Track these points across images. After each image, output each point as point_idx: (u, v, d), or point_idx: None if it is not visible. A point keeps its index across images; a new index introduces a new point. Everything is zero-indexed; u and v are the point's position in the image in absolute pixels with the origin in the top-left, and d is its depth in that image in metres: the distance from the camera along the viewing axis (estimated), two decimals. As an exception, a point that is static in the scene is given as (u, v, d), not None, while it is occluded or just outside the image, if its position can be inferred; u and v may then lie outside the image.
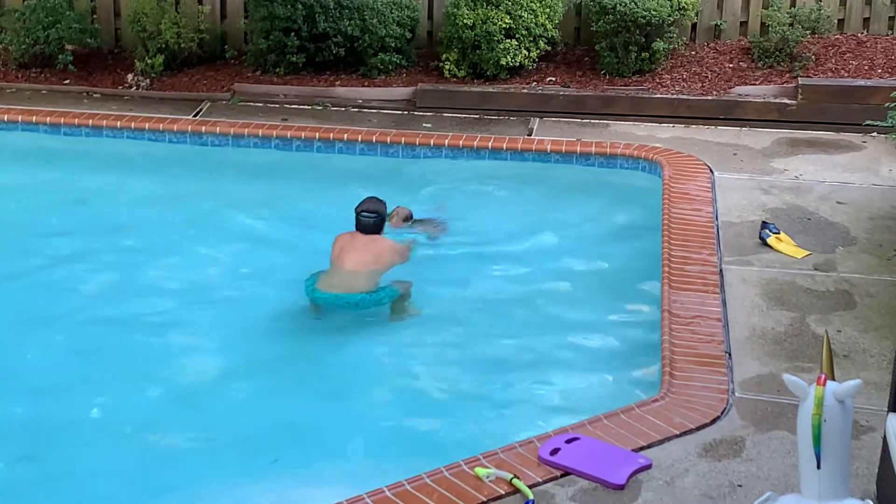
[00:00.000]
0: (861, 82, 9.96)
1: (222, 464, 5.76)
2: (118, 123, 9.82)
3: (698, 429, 5.47)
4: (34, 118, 9.93)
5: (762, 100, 9.96)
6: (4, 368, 6.63)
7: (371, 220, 7.27)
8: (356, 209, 7.31)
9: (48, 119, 9.91)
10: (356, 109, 10.28)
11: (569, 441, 5.32)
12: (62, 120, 9.89)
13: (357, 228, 7.31)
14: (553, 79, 10.52)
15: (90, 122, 9.85)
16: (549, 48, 10.66)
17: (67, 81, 10.81)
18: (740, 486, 5.06)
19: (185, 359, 6.78)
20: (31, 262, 7.94)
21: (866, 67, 10.39)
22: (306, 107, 10.31)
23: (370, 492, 4.98)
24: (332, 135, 9.57)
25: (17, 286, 7.59)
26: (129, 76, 10.76)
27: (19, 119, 9.94)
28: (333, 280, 7.17)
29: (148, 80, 10.67)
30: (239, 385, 6.53)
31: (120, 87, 10.69)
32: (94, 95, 10.59)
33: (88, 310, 7.32)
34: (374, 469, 5.55)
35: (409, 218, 7.90)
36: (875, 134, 9.40)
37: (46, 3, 10.84)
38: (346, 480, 5.36)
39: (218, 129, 9.72)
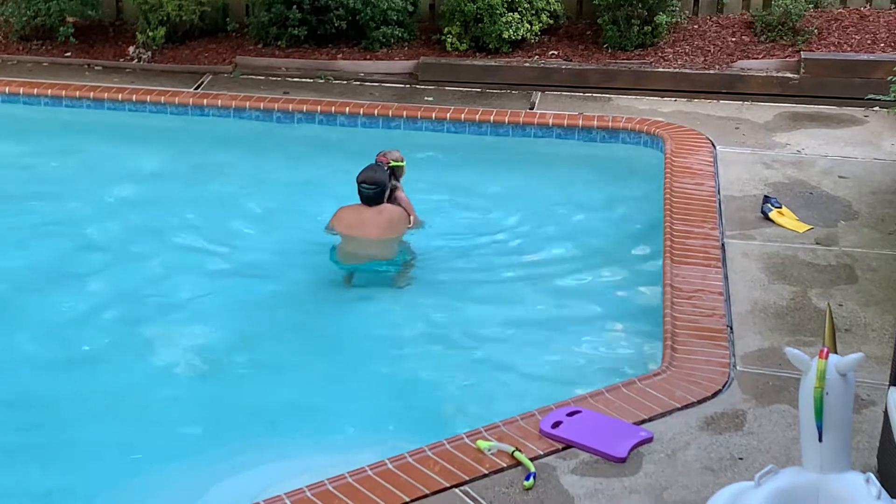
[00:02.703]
0: (864, 56, 9.92)
1: (224, 435, 5.78)
2: (119, 96, 9.81)
3: (699, 402, 5.49)
4: (35, 90, 9.93)
5: (764, 74, 9.93)
6: (12, 338, 6.64)
7: (371, 190, 7.26)
8: (357, 178, 7.29)
9: (49, 91, 9.90)
10: (358, 83, 10.27)
11: (570, 414, 5.33)
12: (63, 92, 9.88)
13: (360, 199, 7.30)
14: (555, 52, 10.49)
15: (91, 94, 9.84)
16: (551, 22, 10.63)
17: (69, 54, 10.79)
18: (741, 458, 5.08)
19: (185, 330, 6.78)
20: (33, 232, 7.95)
21: (869, 42, 10.35)
22: (308, 80, 10.29)
23: (372, 464, 4.99)
24: (333, 108, 9.56)
25: (20, 256, 7.60)
26: (131, 49, 10.74)
27: (21, 91, 9.94)
28: (356, 250, 7.20)
29: (149, 53, 10.65)
30: (240, 357, 6.54)
31: (121, 60, 10.67)
32: (96, 68, 10.57)
33: (91, 280, 7.32)
34: (376, 441, 5.56)
35: (397, 160, 7.68)
36: (877, 108, 9.40)
37: (47, -24, 10.82)
38: (347, 453, 5.36)
39: (219, 101, 9.72)
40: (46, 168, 8.99)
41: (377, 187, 7.26)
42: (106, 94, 9.83)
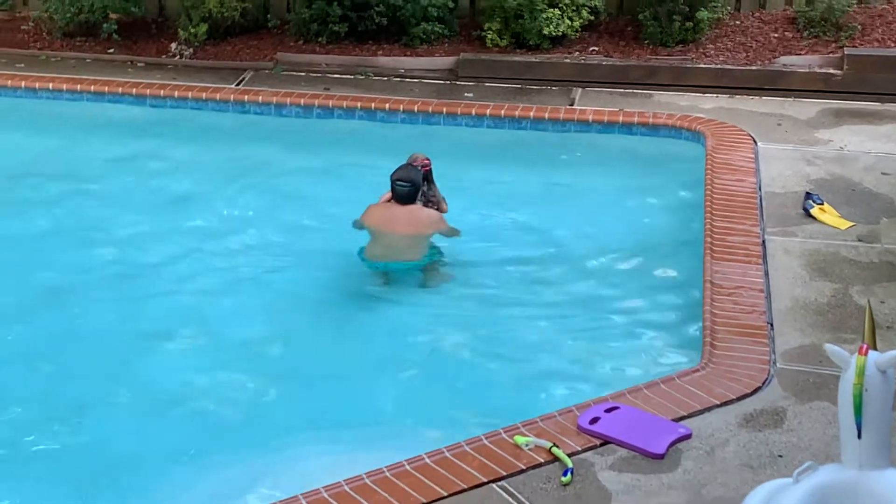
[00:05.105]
0: (907, 53, 9.85)
1: (260, 431, 5.80)
2: (161, 92, 9.87)
3: (739, 399, 5.46)
4: (78, 87, 10.01)
5: (807, 70, 9.86)
6: (47, 331, 6.70)
7: (405, 188, 7.25)
8: (391, 176, 7.30)
9: (92, 87, 9.98)
10: (398, 79, 10.28)
11: (608, 410, 5.31)
12: (106, 88, 9.96)
13: (392, 196, 7.31)
14: (596, 48, 10.46)
15: (133, 90, 9.92)
16: (592, 18, 10.60)
17: (112, 50, 10.87)
18: (781, 456, 5.04)
19: (218, 325, 6.83)
20: (71, 225, 8.03)
21: (913, 38, 10.27)
22: (348, 76, 10.31)
23: (409, 459, 5.00)
24: (373, 104, 9.58)
25: (58, 248, 7.67)
26: (173, 45, 10.81)
27: (64, 87, 10.02)
28: (384, 249, 7.21)
29: (191, 50, 10.71)
30: (274, 352, 6.57)
31: (163, 56, 10.73)
32: (138, 64, 10.64)
33: (126, 277, 7.37)
34: (413, 436, 5.57)
35: (426, 166, 7.68)
36: (921, 105, 9.31)
37: (91, -27, 10.91)
38: (384, 448, 5.37)
39: (260, 98, 9.76)
40: (87, 163, 9.05)
41: (411, 185, 7.27)
42: (148, 91, 9.90)
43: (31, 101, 10.04)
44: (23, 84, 10.09)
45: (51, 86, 10.04)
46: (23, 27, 11.40)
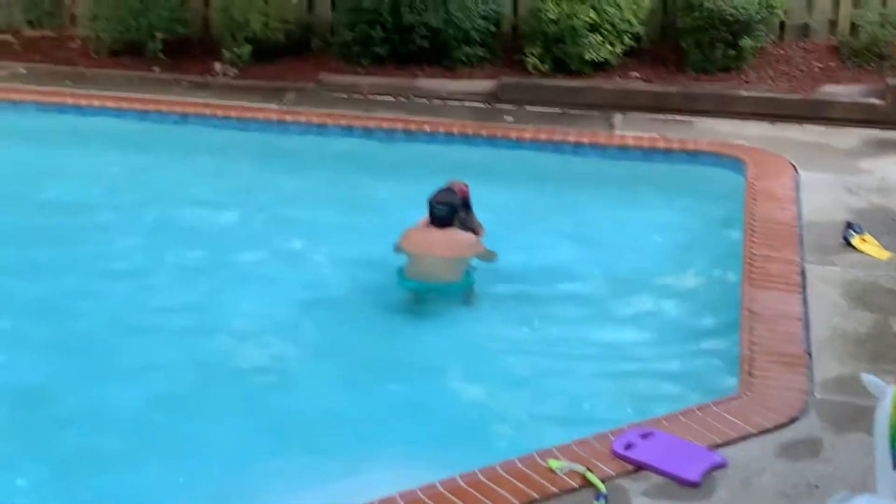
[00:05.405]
0: (952, 83, 9.78)
1: (290, 448, 5.81)
2: (205, 111, 9.96)
3: (776, 428, 5.42)
4: (124, 104, 10.14)
5: (850, 99, 9.82)
6: (73, 343, 6.76)
7: (444, 211, 7.28)
8: (429, 199, 7.33)
9: (137, 105, 10.10)
10: (439, 101, 10.33)
11: (644, 436, 5.29)
12: (150, 107, 10.06)
13: (430, 220, 7.34)
14: (637, 74, 10.47)
15: (178, 109, 10.01)
16: (633, 44, 10.62)
17: (157, 69, 10.99)
18: (817, 486, 5.00)
19: (254, 343, 6.84)
20: (111, 239, 8.12)
21: (957, 69, 10.22)
22: (390, 98, 10.37)
23: (442, 480, 4.99)
24: (413, 126, 9.62)
25: (95, 266, 7.73)
26: (217, 65, 10.92)
27: (109, 105, 10.15)
28: (422, 270, 7.23)
29: (235, 69, 10.81)
30: (310, 370, 6.59)
31: (208, 76, 10.85)
32: (183, 83, 10.75)
33: (160, 291, 7.44)
34: (447, 458, 5.55)
35: (464, 192, 7.71)
36: (965, 136, 9.25)
37: (138, -8, 11.06)
38: (417, 469, 5.36)
39: (302, 118, 9.83)
40: (131, 179, 9.15)
41: (449, 208, 7.30)
42: (191, 109, 10.00)
43: (77, 118, 10.15)
44: (69, 101, 10.23)
45: (96, 103, 10.16)
46: (71, 45, 11.58)
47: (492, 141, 9.46)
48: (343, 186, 9.02)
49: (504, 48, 11.05)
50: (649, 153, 9.22)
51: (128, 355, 6.68)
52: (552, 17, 10.23)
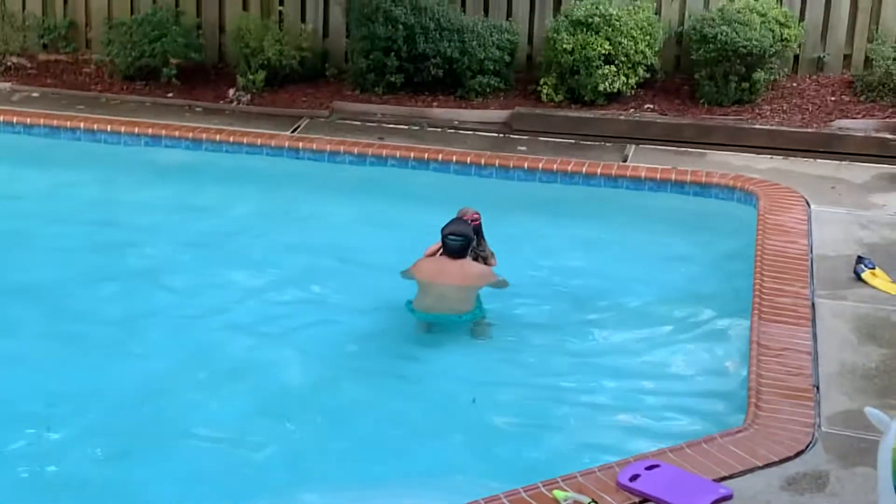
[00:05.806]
0: (966, 119, 9.77)
1: (300, 475, 5.80)
2: (217, 137, 9.99)
3: (782, 461, 5.39)
4: (136, 129, 10.14)
5: (863, 134, 9.80)
6: (98, 369, 6.78)
7: (458, 242, 7.28)
8: (443, 230, 7.33)
9: (150, 131, 10.11)
10: (452, 130, 10.33)
11: (649, 468, 5.26)
12: (163, 132, 10.08)
13: (444, 250, 7.33)
14: (651, 106, 10.47)
15: (190, 134, 10.04)
16: (647, 75, 10.63)
17: (171, 94, 11.03)
18: (823, 521, 4.98)
19: (273, 368, 6.85)
20: (128, 266, 8.14)
21: (972, 105, 10.19)
22: (403, 126, 10.39)
23: (447, 509, 4.99)
24: (426, 155, 9.63)
25: (109, 291, 7.74)
26: (231, 91, 10.95)
27: (122, 130, 10.16)
28: (434, 300, 7.21)
29: (249, 96, 10.84)
30: (318, 398, 6.57)
31: (221, 102, 10.87)
32: (196, 109, 10.78)
33: (172, 318, 7.44)
34: (451, 488, 5.54)
35: (476, 220, 7.69)
36: (979, 172, 9.22)
37: (153, 18, 11.11)
38: (421, 498, 5.37)
39: (315, 145, 9.84)
40: (143, 204, 9.16)
41: (464, 239, 7.29)
42: (204, 135, 10.02)
43: (91, 143, 10.18)
44: (82, 125, 10.25)
45: (109, 128, 10.18)
46: (85, 69, 11.63)
47: (504, 171, 9.45)
48: (354, 213, 9.02)
49: (518, 78, 11.06)
50: (662, 185, 9.20)
51: (135, 380, 6.69)
52: (567, 47, 10.24)
